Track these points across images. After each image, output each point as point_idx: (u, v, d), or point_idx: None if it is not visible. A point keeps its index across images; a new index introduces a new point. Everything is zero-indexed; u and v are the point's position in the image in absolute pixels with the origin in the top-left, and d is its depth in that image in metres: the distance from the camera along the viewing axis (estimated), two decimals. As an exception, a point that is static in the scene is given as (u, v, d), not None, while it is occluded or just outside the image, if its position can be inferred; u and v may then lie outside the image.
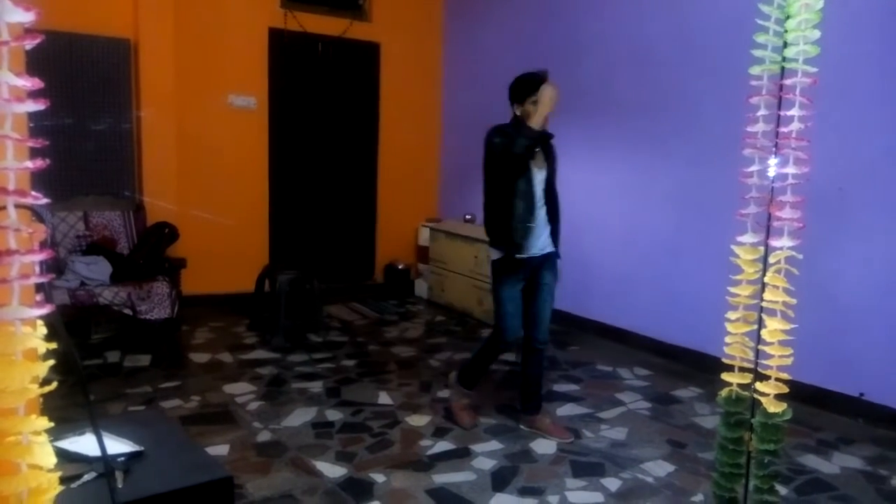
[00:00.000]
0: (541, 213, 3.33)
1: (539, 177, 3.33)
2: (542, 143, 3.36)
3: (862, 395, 3.67)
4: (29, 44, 0.86)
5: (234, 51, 5.69)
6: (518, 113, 3.30)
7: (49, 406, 1.14)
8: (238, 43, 5.71)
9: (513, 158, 3.17)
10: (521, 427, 3.51)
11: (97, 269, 4.54)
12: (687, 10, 4.47)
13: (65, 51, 4.83)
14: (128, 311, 4.39)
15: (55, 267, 4.41)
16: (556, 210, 3.42)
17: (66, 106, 4.88)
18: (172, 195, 5.31)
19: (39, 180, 1.19)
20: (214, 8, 5.55)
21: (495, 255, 3.37)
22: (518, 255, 3.28)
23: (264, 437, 3.30)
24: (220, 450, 3.11)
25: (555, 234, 3.41)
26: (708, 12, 4.32)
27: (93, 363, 4.25)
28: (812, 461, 3.19)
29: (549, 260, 3.42)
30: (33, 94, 0.88)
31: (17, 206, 0.86)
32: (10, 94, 0.85)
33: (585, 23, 5.22)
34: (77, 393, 3.13)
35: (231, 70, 5.70)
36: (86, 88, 5.00)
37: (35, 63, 1.21)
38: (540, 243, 3.34)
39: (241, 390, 3.90)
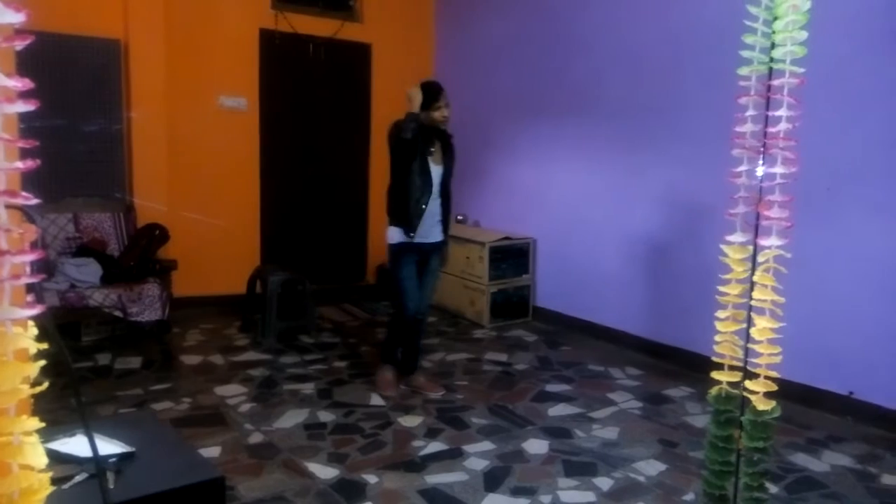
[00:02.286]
0: (434, 203, 3.82)
1: (436, 171, 3.82)
2: (441, 141, 3.87)
3: (851, 393, 3.70)
4: (19, 45, 0.86)
5: (224, 52, 5.68)
6: (424, 119, 3.74)
7: (39, 409, 1.14)
8: (229, 44, 5.70)
9: (404, 142, 3.63)
10: (401, 386, 4.00)
11: (87, 270, 4.52)
12: (677, 12, 4.50)
13: (54, 52, 4.80)
14: (118, 314, 4.38)
15: (45, 269, 4.38)
16: (449, 205, 3.94)
17: (56, 107, 4.86)
18: (163, 196, 5.29)
19: (29, 182, 1.19)
20: (205, 9, 5.54)
21: (392, 239, 3.83)
22: (411, 240, 3.76)
23: (256, 438, 3.30)
24: (211, 452, 3.10)
25: (445, 226, 3.93)
26: (697, 13, 4.35)
27: (83, 365, 4.23)
28: (802, 459, 3.22)
29: (438, 248, 3.95)
30: (24, 95, 0.88)
31: (8, 206, 0.86)
32: (1, 94, 0.85)
33: (576, 24, 5.25)
34: (67, 396, 3.12)
35: (222, 71, 5.69)
36: (75, 89, 4.98)
37: (24, 64, 1.20)
38: (432, 232, 3.85)
39: (232, 392, 3.89)
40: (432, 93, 3.73)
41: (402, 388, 4.01)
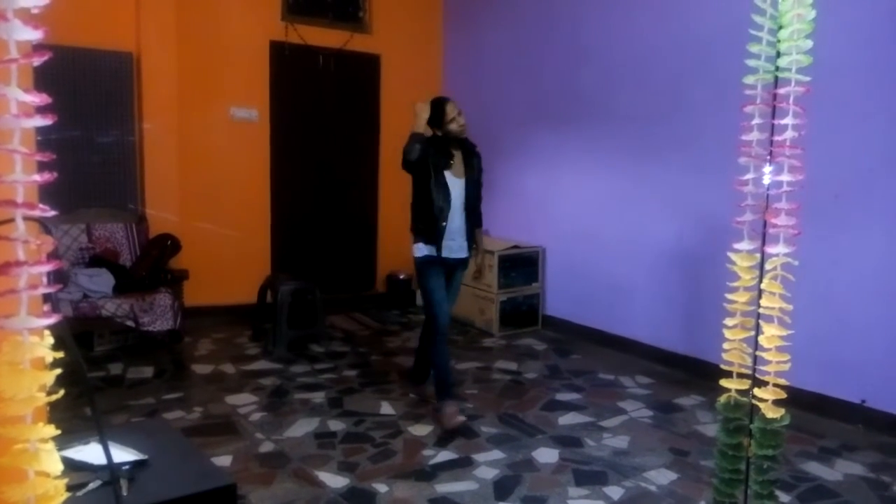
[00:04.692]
0: (458, 219, 3.74)
1: (457, 185, 3.73)
2: (463, 151, 3.79)
3: (863, 401, 3.67)
4: (37, 61, 0.89)
5: (235, 63, 5.73)
6: (440, 134, 3.73)
7: (53, 418, 1.16)
8: (239, 56, 5.75)
9: (412, 164, 3.62)
10: (411, 395, 4.06)
11: (100, 281, 4.56)
12: (684, 20, 4.51)
13: (68, 64, 4.87)
14: (130, 323, 4.42)
15: (59, 279, 4.43)
16: (476, 220, 3.89)
17: (69, 119, 4.91)
18: (174, 207, 5.34)
19: (43, 193, 1.21)
20: (216, 21, 5.60)
21: (417, 252, 3.75)
22: (436, 256, 3.69)
23: (267, 447, 3.31)
24: (222, 461, 3.12)
25: (471, 242, 3.86)
26: (704, 22, 4.36)
27: (96, 375, 4.26)
28: (814, 468, 3.19)
29: (463, 264, 3.88)
30: (41, 110, 0.90)
31: (26, 218, 0.88)
32: (19, 109, 0.87)
33: (584, 33, 5.27)
34: (80, 405, 3.15)
35: (233, 82, 5.74)
36: (89, 102, 5.04)
37: (38, 77, 1.23)
38: (456, 248, 3.77)
39: (243, 401, 3.91)
40: (439, 108, 3.71)
41: (412, 397, 4.02)
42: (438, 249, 3.69)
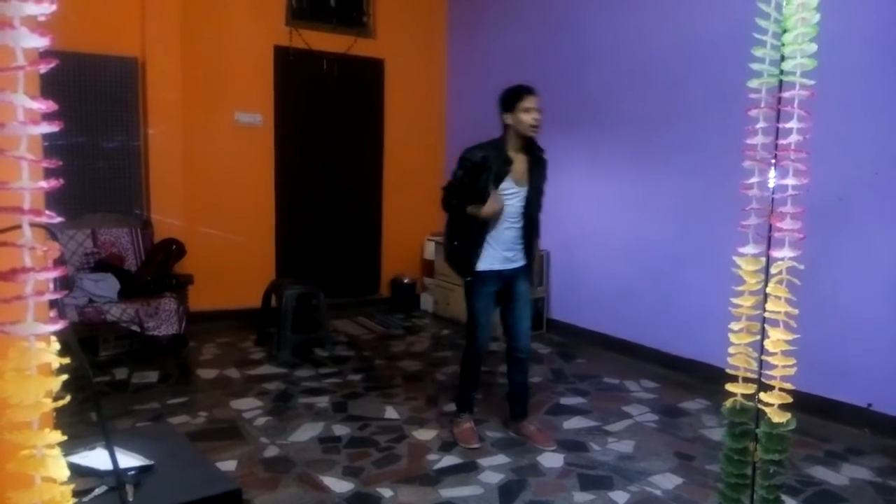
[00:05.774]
0: (510, 227, 3.33)
1: (518, 194, 3.31)
2: (529, 154, 3.34)
3: (870, 405, 3.65)
4: (44, 68, 0.89)
5: (239, 68, 5.75)
6: (510, 122, 3.27)
7: (59, 423, 1.16)
8: (244, 60, 5.77)
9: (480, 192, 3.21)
10: (510, 433, 3.58)
11: (105, 286, 4.58)
12: (688, 24, 4.51)
13: (73, 70, 4.89)
14: (135, 328, 4.43)
15: (64, 285, 4.45)
16: (535, 227, 3.45)
17: (75, 124, 4.94)
18: (179, 212, 5.35)
19: (49, 199, 1.22)
20: (220, 26, 5.62)
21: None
22: (488, 270, 3.32)
23: (272, 452, 3.31)
24: (227, 465, 3.12)
25: (528, 249, 3.42)
26: (709, 26, 4.35)
27: (101, 380, 4.26)
28: (821, 472, 3.18)
29: (522, 272, 3.43)
30: (47, 116, 0.91)
31: (32, 225, 0.88)
32: (26, 116, 0.88)
33: (588, 37, 5.27)
34: (86, 410, 3.15)
35: (237, 87, 5.76)
36: (94, 107, 5.06)
37: (44, 83, 1.23)
38: (510, 258, 3.37)
39: (248, 406, 3.91)
40: (516, 92, 3.21)
41: (512, 435, 3.59)
42: (472, 276, 3.33)
